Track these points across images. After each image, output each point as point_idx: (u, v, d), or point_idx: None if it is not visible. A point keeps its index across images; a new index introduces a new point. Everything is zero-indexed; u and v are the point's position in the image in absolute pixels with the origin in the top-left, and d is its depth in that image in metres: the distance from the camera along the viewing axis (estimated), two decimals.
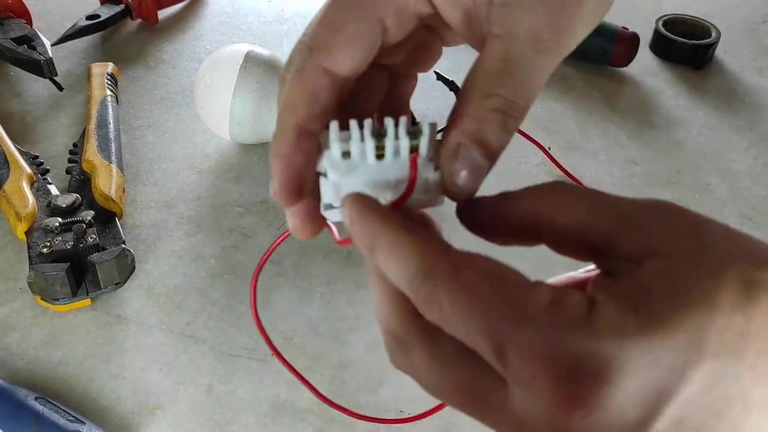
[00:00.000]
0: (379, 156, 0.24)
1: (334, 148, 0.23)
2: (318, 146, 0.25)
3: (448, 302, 0.20)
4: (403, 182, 0.24)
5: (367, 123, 0.23)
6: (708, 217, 0.22)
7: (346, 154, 0.24)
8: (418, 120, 0.24)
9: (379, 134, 0.23)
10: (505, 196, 0.24)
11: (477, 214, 0.24)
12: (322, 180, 0.24)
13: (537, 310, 0.19)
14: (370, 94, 0.28)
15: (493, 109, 0.23)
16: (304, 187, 0.24)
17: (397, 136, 0.23)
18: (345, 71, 0.24)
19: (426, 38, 0.28)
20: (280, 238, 0.30)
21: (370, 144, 0.23)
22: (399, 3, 0.25)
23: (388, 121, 0.23)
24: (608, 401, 0.18)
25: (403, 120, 0.23)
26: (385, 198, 0.24)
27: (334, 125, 0.23)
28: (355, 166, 0.24)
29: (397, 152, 0.23)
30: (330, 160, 0.24)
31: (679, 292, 0.19)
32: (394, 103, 0.29)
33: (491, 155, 0.23)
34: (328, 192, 0.24)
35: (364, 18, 0.24)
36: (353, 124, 0.23)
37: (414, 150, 0.23)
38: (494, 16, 0.23)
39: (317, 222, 0.26)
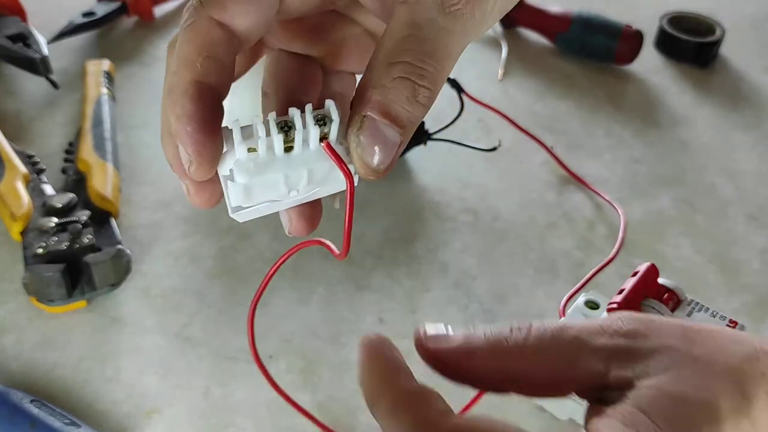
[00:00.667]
0: (288, 149, 0.22)
1: (239, 149, 0.22)
2: (219, 104, 0.23)
3: None
4: (317, 171, 0.23)
5: (271, 116, 0.22)
6: (682, 320, 0.22)
7: (251, 151, 0.22)
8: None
9: (284, 126, 0.22)
10: (469, 355, 0.22)
11: (444, 366, 0.23)
12: (227, 183, 0.23)
13: None
14: (305, 89, 0.27)
15: (400, 77, 0.22)
16: (219, 150, 0.23)
17: (305, 126, 0.22)
18: (239, 26, 0.23)
19: (347, 30, 0.27)
20: (286, 255, 0.28)
21: (278, 138, 0.22)
22: None
23: (294, 111, 0.22)
24: None
25: (308, 107, 0.22)
26: (297, 190, 0.23)
27: (236, 125, 0.22)
28: (264, 164, 0.22)
29: (306, 142, 0.22)
30: (236, 162, 0.22)
31: (679, 410, 0.19)
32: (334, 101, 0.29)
33: (402, 128, 0.22)
34: (236, 194, 0.23)
35: None
36: (256, 120, 0.22)
37: (324, 137, 0.22)
38: None
39: (216, 190, 0.24)
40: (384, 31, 0.23)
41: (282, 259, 0.27)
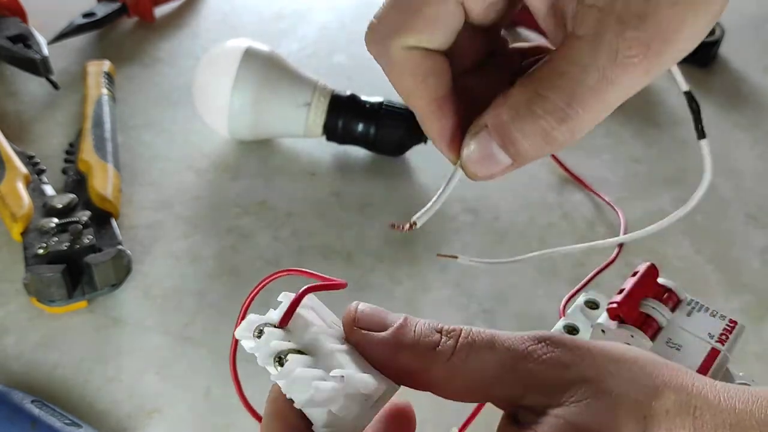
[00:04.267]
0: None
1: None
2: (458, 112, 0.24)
3: None
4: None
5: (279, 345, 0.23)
6: (609, 347, 0.22)
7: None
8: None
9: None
10: (395, 350, 0.23)
11: (368, 353, 0.23)
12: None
13: None
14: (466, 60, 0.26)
15: (538, 114, 0.21)
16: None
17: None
18: (431, 46, 0.23)
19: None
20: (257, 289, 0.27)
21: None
22: None
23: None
24: None
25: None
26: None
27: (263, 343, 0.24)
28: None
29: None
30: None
31: None
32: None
33: (516, 156, 0.22)
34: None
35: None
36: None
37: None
38: (581, 16, 0.20)
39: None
40: (549, 56, 0.21)
41: (257, 288, 0.27)
